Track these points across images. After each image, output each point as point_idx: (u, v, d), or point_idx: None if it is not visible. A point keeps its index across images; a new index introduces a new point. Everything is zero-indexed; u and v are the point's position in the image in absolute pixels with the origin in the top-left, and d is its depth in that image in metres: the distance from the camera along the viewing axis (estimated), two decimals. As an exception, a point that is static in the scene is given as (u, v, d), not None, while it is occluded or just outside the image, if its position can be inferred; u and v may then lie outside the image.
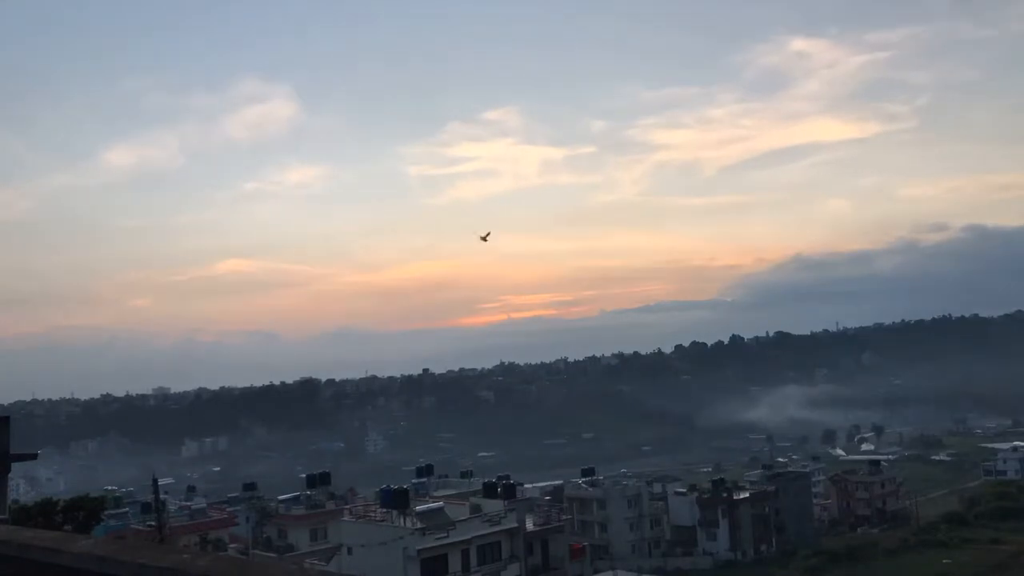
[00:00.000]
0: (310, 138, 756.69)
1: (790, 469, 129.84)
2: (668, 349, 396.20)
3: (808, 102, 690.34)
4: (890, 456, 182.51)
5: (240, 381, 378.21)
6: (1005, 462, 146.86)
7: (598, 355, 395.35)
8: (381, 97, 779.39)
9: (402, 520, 51.80)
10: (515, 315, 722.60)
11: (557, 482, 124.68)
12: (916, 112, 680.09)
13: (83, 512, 36.02)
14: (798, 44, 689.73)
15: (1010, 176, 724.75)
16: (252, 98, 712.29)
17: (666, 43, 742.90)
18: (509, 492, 58.66)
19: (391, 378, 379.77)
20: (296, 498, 76.21)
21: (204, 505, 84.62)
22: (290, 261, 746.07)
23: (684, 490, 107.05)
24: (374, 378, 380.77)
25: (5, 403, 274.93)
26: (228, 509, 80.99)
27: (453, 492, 73.36)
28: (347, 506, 69.62)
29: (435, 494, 71.52)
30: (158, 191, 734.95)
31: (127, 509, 79.44)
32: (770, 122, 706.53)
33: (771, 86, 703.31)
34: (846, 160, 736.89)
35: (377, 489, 59.86)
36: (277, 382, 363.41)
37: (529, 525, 57.83)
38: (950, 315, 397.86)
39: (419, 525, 50.77)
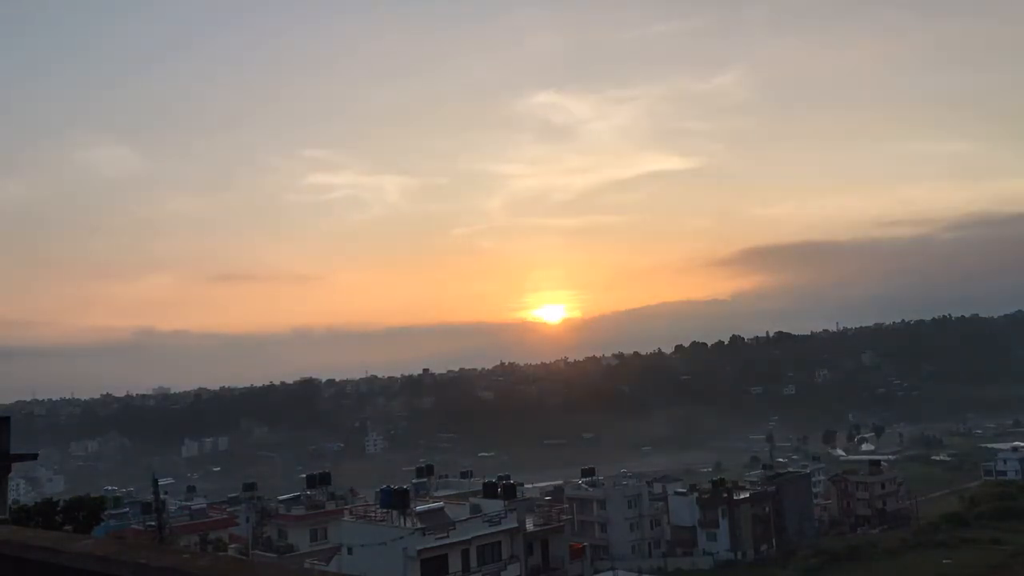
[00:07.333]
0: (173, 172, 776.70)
1: (790, 469, 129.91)
2: (668, 349, 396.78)
3: (627, 142, 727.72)
4: (890, 456, 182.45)
5: (240, 381, 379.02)
6: (1005, 462, 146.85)
7: (598, 355, 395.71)
8: (204, 136, 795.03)
9: (402, 520, 51.75)
10: (445, 323, 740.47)
11: (557, 482, 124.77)
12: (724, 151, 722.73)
13: (83, 512, 35.90)
14: (545, 97, 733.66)
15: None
16: (92, 144, 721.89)
17: (427, 95, 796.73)
18: (509, 492, 58.52)
19: (391, 378, 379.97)
20: (296, 498, 76.08)
21: (204, 505, 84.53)
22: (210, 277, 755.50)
23: (684, 490, 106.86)
24: (374, 378, 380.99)
25: (5, 403, 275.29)
26: (228, 509, 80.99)
27: (453, 492, 73.20)
28: (347, 506, 69.50)
29: (435, 494, 71.46)
30: (57, 222, 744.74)
31: (127, 509, 79.47)
32: (605, 157, 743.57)
33: (559, 132, 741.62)
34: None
35: (377, 489, 59.76)
36: (277, 382, 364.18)
37: (529, 525, 57.72)
38: (950, 315, 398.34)
39: (419, 525, 50.72)
